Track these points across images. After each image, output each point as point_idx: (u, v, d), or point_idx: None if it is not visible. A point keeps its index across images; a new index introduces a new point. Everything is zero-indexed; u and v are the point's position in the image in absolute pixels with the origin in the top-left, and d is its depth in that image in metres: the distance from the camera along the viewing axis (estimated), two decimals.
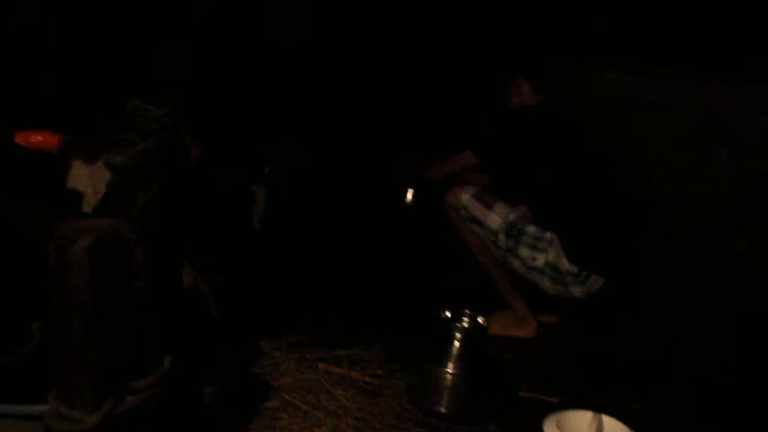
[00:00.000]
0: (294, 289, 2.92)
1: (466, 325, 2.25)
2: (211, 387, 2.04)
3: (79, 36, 2.35)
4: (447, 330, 2.25)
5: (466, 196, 2.75)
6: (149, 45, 2.49)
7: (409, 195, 3.08)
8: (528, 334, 2.80)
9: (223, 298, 2.13)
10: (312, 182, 3.13)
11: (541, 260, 2.64)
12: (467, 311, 2.29)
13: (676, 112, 2.89)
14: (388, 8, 3.46)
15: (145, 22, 2.49)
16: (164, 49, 2.52)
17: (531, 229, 2.68)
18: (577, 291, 2.63)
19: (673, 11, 3.25)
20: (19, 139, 1.78)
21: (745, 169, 2.65)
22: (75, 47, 2.35)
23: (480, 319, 2.28)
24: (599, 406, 2.02)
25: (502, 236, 2.70)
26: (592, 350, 2.77)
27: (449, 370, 2.20)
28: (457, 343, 2.23)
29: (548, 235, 2.66)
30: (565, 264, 2.60)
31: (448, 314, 2.29)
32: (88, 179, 1.73)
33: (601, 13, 3.45)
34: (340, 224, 3.36)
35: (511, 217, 2.70)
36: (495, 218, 2.70)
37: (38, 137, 1.79)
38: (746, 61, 2.93)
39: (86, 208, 1.73)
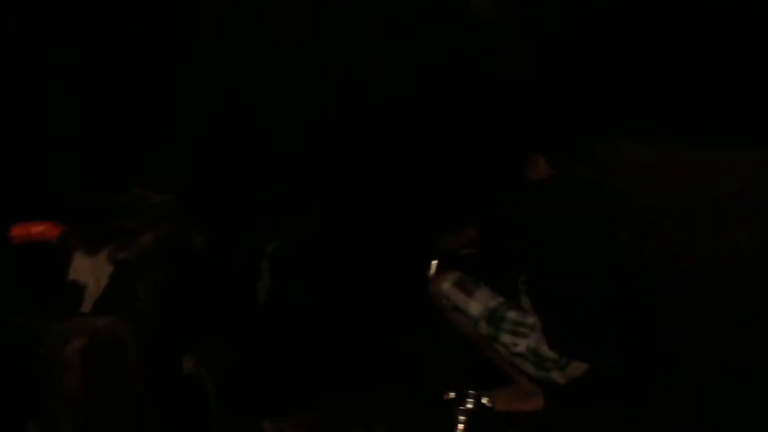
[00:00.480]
0: (294, 366, 2.87)
1: (470, 406, 2.21)
2: None
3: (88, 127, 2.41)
4: (451, 412, 2.20)
5: (447, 285, 2.76)
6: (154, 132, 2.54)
7: (433, 267, 3.06)
8: (535, 407, 2.73)
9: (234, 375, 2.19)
10: (318, 260, 3.13)
11: (522, 346, 2.63)
12: (471, 392, 2.24)
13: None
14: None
15: (149, 111, 2.54)
16: (169, 136, 2.56)
17: (512, 314, 2.67)
18: (557, 377, 2.60)
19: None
20: (19, 230, 1.78)
21: None
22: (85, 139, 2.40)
23: (485, 399, 2.23)
24: None
25: (483, 323, 2.69)
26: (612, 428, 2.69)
27: None
28: (461, 426, 2.18)
29: (530, 320, 2.64)
30: (545, 349, 2.58)
31: (452, 395, 2.24)
32: (90, 271, 1.72)
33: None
34: (352, 301, 3.33)
35: (492, 304, 2.69)
36: (475, 305, 2.70)
37: (39, 228, 1.79)
38: None
39: (88, 300, 1.72)
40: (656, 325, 2.85)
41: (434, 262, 2.95)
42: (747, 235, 3.01)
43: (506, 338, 2.65)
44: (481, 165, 3.45)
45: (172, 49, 2.79)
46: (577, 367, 2.57)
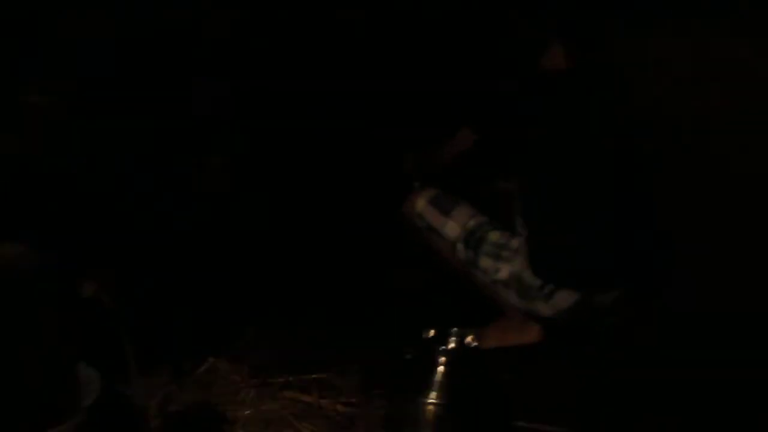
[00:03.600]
0: (259, 300, 2.64)
1: (452, 346, 1.94)
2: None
3: None
4: (430, 353, 1.94)
5: (421, 203, 2.53)
6: None
7: (416, 186, 2.76)
8: (531, 339, 2.46)
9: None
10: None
11: (504, 271, 2.36)
12: (454, 329, 1.97)
13: None
14: None
15: None
16: None
17: (494, 236, 2.41)
18: (542, 308, 2.33)
19: None
20: None
21: None
22: None
23: (469, 338, 1.96)
24: None
25: (460, 246, 2.44)
26: (611, 369, 2.40)
27: (431, 400, 1.90)
28: (441, 369, 1.91)
29: (515, 242, 2.37)
30: (528, 275, 2.31)
31: (431, 333, 1.98)
32: None
33: None
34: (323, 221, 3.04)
35: (471, 223, 2.44)
36: (453, 226, 2.46)
37: None
38: None
39: None
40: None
41: (417, 184, 2.66)
42: None
43: (486, 263, 2.40)
44: (482, 45, 3.02)
45: None
46: (565, 298, 2.29)
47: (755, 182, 2.70)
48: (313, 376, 2.27)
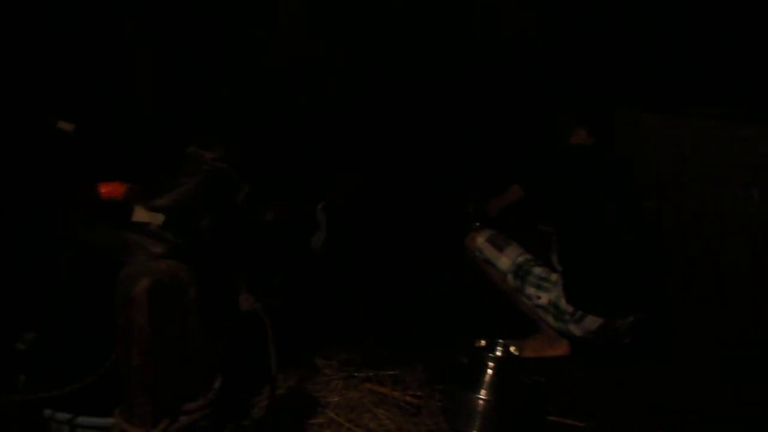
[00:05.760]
0: (349, 310, 3.16)
1: (498, 354, 2.39)
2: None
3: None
4: (481, 358, 2.39)
5: (480, 240, 3.06)
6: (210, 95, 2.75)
7: (475, 226, 3.26)
8: (561, 353, 2.96)
9: (286, 318, 2.28)
10: (366, 212, 3.35)
11: (544, 299, 2.87)
12: (500, 341, 2.42)
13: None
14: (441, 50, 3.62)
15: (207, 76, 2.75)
16: (223, 99, 2.77)
17: (538, 270, 2.92)
18: (574, 329, 2.81)
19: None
20: (93, 189, 2.04)
21: None
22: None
23: (512, 348, 2.41)
24: None
25: (510, 276, 2.96)
26: (627, 377, 2.84)
27: (481, 396, 2.34)
28: (489, 371, 2.37)
29: (554, 276, 2.87)
30: (563, 303, 2.79)
31: (482, 343, 2.43)
32: (146, 219, 1.98)
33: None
34: (395, 253, 3.59)
35: (520, 259, 2.96)
36: (505, 260, 2.99)
37: (107, 188, 2.05)
38: None
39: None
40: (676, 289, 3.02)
41: (476, 225, 3.16)
42: None
43: (531, 290, 2.89)
44: (525, 131, 3.59)
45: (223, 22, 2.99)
46: (592, 322, 2.75)
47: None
48: (388, 372, 2.72)
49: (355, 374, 2.70)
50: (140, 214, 1.99)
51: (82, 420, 1.87)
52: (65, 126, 2.16)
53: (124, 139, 2.47)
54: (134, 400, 1.57)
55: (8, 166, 1.96)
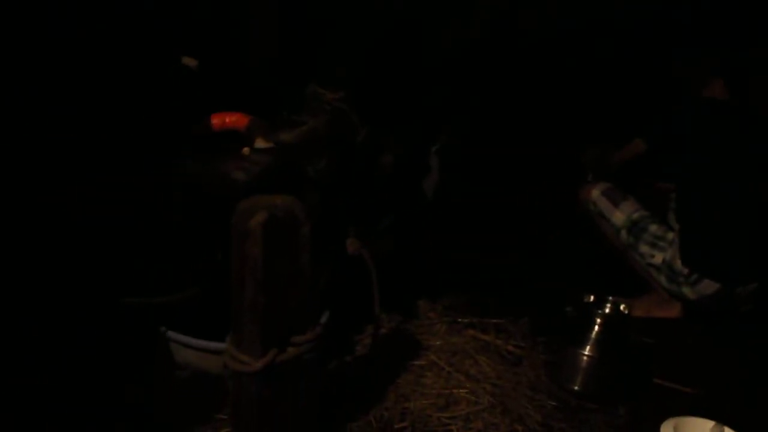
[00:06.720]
0: (456, 258, 3.10)
1: (607, 311, 2.35)
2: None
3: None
4: (589, 314, 2.35)
5: (596, 193, 2.94)
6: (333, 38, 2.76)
7: (590, 178, 3.17)
8: (672, 315, 2.86)
9: (392, 261, 2.36)
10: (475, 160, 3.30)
11: (659, 258, 2.77)
12: (610, 297, 2.37)
13: None
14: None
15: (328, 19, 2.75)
16: (346, 41, 2.77)
17: (653, 227, 2.81)
18: (688, 292, 2.70)
19: None
20: (216, 119, 2.09)
21: None
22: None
23: (621, 306, 2.35)
24: (732, 406, 2.05)
25: (623, 232, 2.86)
26: (742, 347, 2.72)
27: (586, 353, 2.31)
28: (596, 328, 2.33)
29: (670, 235, 2.76)
30: (678, 264, 2.68)
31: (591, 298, 2.39)
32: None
33: None
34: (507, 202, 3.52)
35: (635, 216, 2.85)
36: (619, 215, 2.87)
37: (232, 118, 2.09)
38: None
39: None
40: None
41: (590, 177, 3.06)
42: None
43: (644, 249, 2.80)
44: (656, 82, 3.38)
45: None
46: (708, 286, 2.64)
47: None
48: (492, 320, 2.71)
49: (459, 320, 2.71)
50: (260, 146, 2.04)
51: (195, 342, 1.99)
52: (189, 61, 2.23)
53: (246, 74, 2.51)
54: (245, 328, 1.63)
55: (136, 103, 2.03)
